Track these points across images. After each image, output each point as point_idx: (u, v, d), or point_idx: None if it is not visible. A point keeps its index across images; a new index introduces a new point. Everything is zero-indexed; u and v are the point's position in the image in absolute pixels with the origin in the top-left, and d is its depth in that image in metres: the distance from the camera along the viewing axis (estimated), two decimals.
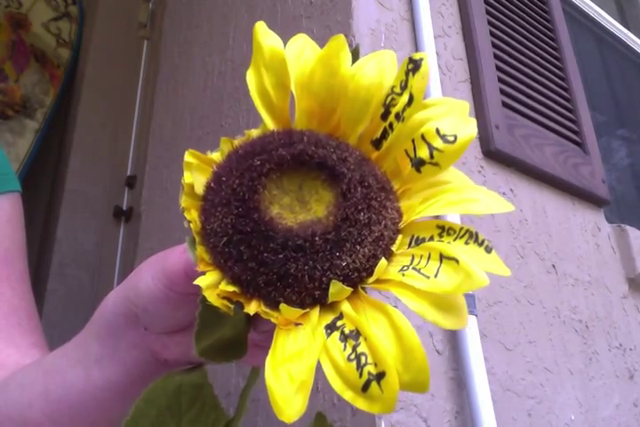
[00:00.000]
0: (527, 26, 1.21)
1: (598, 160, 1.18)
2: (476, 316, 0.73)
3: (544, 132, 1.08)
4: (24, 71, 1.71)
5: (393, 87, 0.23)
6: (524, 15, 1.22)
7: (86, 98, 1.64)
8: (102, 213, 1.53)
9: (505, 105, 1.01)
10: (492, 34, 1.07)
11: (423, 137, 0.22)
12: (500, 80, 1.03)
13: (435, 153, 0.21)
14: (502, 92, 1.02)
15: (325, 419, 0.27)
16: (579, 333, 0.93)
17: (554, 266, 0.96)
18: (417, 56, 0.22)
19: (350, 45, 0.90)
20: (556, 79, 1.21)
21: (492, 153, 0.92)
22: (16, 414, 0.32)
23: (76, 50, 1.80)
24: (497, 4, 1.15)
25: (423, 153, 0.22)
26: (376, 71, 0.23)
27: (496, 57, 1.05)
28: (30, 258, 0.51)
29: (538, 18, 1.27)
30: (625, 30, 1.92)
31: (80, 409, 0.29)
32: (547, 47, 1.25)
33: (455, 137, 0.21)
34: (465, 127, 0.22)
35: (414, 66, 0.22)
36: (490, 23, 1.09)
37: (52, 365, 0.32)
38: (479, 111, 0.95)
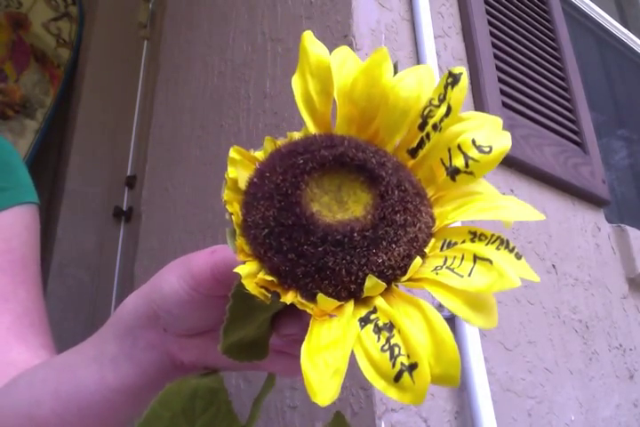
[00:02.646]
0: (527, 26, 1.21)
1: (598, 160, 1.18)
2: None
3: (544, 132, 1.08)
4: (24, 71, 1.71)
5: (431, 100, 0.24)
6: (524, 15, 1.22)
7: (86, 98, 1.64)
8: (102, 213, 1.53)
9: (505, 105, 1.01)
10: (492, 34, 1.07)
11: (459, 147, 0.23)
12: (500, 80, 1.03)
13: (470, 162, 0.23)
14: (502, 92, 1.02)
15: (344, 418, 0.27)
16: (579, 333, 0.93)
17: (554, 266, 0.96)
18: (456, 70, 0.23)
19: (351, 45, 0.89)
20: (555, 79, 1.21)
21: None
22: (23, 411, 0.32)
23: (76, 50, 1.80)
24: (497, 5, 1.15)
25: (459, 162, 0.23)
26: (415, 84, 0.24)
27: (496, 57, 1.05)
28: None
29: (538, 18, 1.27)
30: (625, 30, 1.92)
31: (90, 410, 0.29)
32: (547, 47, 1.25)
33: (490, 148, 0.23)
34: (500, 139, 0.23)
35: (453, 80, 0.23)
36: (490, 23, 1.09)
37: (64, 362, 0.33)
38: (479, 111, 0.95)
